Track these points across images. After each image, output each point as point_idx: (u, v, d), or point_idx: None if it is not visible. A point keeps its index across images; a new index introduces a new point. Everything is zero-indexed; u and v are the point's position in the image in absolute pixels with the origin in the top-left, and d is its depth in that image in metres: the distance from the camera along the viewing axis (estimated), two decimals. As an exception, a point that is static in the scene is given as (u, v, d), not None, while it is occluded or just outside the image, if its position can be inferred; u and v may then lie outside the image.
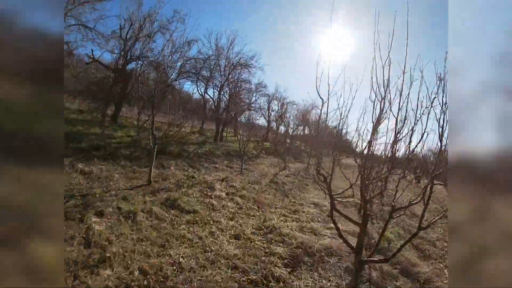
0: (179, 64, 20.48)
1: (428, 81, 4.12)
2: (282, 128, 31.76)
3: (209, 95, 26.28)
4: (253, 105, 27.12)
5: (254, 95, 27.77)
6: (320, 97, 4.59)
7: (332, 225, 9.50)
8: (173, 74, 20.70)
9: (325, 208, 11.16)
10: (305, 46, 62.22)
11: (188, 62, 21.73)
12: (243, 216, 8.24)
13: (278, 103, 30.23)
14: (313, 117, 33.22)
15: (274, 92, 29.69)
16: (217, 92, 24.43)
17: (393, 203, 4.72)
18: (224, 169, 14.40)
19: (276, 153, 24.76)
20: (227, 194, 9.98)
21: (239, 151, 18.48)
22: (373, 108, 4.45)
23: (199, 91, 25.98)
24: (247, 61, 24.62)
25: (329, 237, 7.87)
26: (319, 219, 9.67)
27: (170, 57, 19.77)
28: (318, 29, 57.89)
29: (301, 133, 32.41)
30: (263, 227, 7.56)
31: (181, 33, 22.60)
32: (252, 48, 61.62)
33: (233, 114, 25.84)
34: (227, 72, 23.82)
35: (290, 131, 30.51)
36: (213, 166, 14.28)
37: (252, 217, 8.29)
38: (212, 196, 9.25)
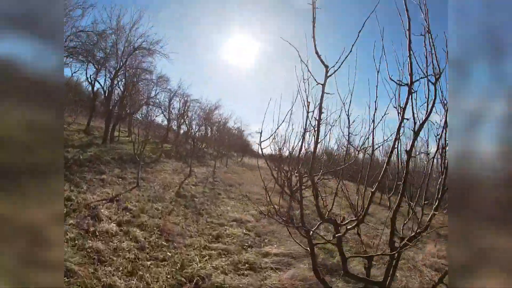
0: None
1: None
2: (183, 128, 28.70)
3: (99, 84, 20.68)
4: (152, 100, 22.89)
5: (155, 88, 23.52)
6: (323, 62, 2.41)
7: (266, 249, 7.54)
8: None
9: (250, 224, 9.21)
10: (212, 44, 59.71)
11: (77, 35, 16.41)
12: (149, 263, 5.39)
13: (180, 100, 26.86)
14: (216, 117, 31.23)
15: (177, 88, 26.05)
16: (110, 80, 19.39)
17: (401, 234, 3.19)
18: (115, 181, 10.90)
19: (178, 156, 21.70)
20: (119, 225, 6.88)
21: (134, 155, 15.15)
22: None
23: (89, 77, 20.53)
24: (151, 46, 20.28)
25: (272, 269, 6.11)
26: (249, 242, 7.69)
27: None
28: (226, 29, 56.61)
29: (204, 134, 29.90)
30: (184, 279, 4.99)
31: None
32: (158, 31, 54.70)
33: (128, 109, 21.24)
34: (125, 56, 19.20)
35: (193, 131, 27.79)
36: (99, 178, 10.60)
37: (163, 263, 5.51)
38: (97, 233, 6.06)
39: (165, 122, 27.49)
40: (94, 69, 19.83)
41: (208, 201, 11.55)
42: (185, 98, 26.57)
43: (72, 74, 20.08)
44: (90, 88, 21.26)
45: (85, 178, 10.01)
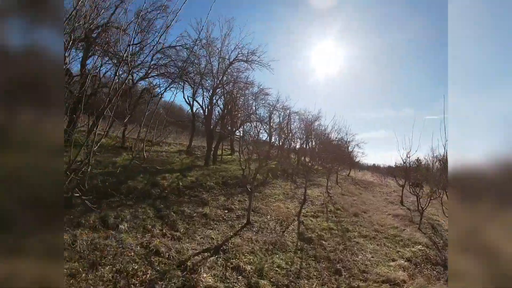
0: (144, 57, 13.84)
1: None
2: (285, 142, 26.08)
3: (198, 103, 19.37)
4: (253, 116, 20.68)
5: (254, 104, 21.41)
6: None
7: None
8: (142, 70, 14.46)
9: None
10: (299, 53, 57.55)
11: (164, 51, 15.01)
12: None
13: (280, 114, 24.43)
14: (318, 129, 27.85)
15: (275, 101, 23.65)
16: (208, 98, 17.69)
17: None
18: (220, 216, 8.45)
19: (285, 175, 18.95)
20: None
21: (240, 178, 12.77)
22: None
23: (186, 97, 19.46)
24: (248, 56, 17.45)
25: None
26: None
27: (135, 43, 13.53)
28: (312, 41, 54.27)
29: (309, 148, 26.74)
30: None
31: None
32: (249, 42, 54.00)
33: (229, 127, 19.56)
34: (221, 73, 17.22)
35: (297, 145, 24.85)
36: (201, 212, 8.29)
37: None
38: None
39: (265, 137, 25.31)
40: (191, 89, 18.80)
41: (340, 244, 8.27)
42: (288, 111, 23.91)
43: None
44: (189, 109, 20.42)
45: (183, 214, 7.80)
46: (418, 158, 17.61)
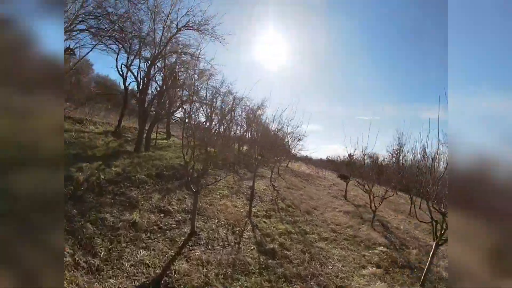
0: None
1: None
2: (226, 129, 24.35)
3: (133, 74, 15.28)
4: (194, 97, 17.81)
5: (197, 84, 18.59)
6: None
7: None
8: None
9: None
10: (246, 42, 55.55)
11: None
12: None
13: (223, 98, 22.38)
14: (261, 119, 26.66)
15: (219, 84, 21.31)
16: (145, 71, 14.55)
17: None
18: (154, 225, 6.32)
19: (228, 165, 17.18)
20: None
21: (178, 167, 10.89)
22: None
23: (120, 66, 15.90)
24: (200, 25, 14.53)
25: None
26: None
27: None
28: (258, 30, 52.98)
29: (251, 137, 25.40)
30: None
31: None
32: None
33: (168, 107, 16.73)
34: (165, 41, 14.17)
35: (239, 133, 23.36)
36: (129, 220, 6.08)
37: None
38: None
39: (204, 121, 23.07)
40: (126, 56, 15.32)
41: (305, 253, 7.02)
42: (233, 96, 21.89)
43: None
44: (121, 81, 16.77)
45: (103, 224, 5.59)
46: (350, 153, 17.75)
